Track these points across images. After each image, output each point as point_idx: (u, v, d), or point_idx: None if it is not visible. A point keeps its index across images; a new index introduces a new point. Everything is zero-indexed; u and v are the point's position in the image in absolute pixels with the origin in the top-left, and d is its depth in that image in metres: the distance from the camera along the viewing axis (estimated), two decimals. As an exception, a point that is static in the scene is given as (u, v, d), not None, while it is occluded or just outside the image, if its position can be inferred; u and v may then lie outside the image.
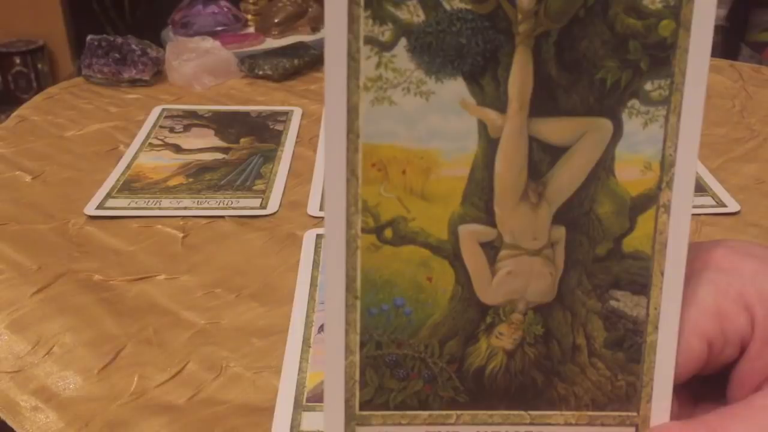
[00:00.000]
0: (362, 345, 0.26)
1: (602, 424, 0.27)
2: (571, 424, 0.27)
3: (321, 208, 0.60)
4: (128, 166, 0.67)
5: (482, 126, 0.24)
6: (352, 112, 0.24)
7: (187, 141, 0.72)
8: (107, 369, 0.43)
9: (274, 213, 0.60)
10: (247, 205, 0.61)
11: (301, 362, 0.43)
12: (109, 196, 0.62)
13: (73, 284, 0.51)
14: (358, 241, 0.25)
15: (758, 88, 0.85)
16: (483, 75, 0.24)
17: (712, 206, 0.60)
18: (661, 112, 0.24)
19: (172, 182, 0.64)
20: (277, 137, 0.73)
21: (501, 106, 0.24)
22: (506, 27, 0.23)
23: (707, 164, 0.66)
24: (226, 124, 0.76)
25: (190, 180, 0.65)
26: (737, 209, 0.59)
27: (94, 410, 0.40)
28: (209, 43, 0.90)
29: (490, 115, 0.24)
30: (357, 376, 0.26)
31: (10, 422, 0.40)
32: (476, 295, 0.26)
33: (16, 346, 0.45)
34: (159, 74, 0.88)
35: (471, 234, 0.25)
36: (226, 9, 1.11)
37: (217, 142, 0.72)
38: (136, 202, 0.61)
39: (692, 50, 0.24)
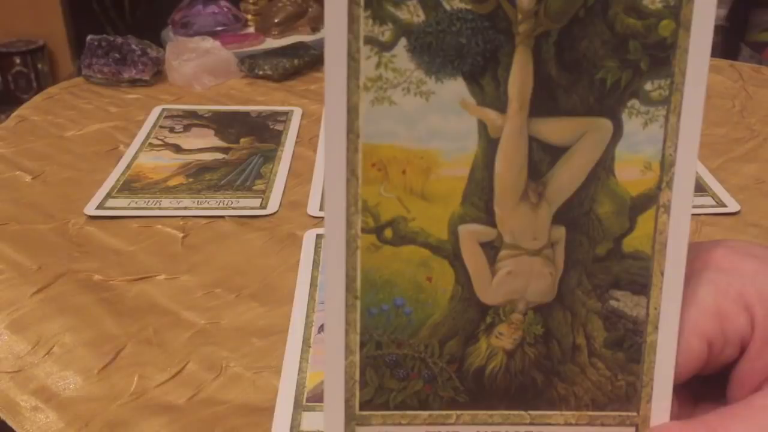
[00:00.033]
0: (362, 345, 0.26)
1: (602, 424, 0.27)
2: (571, 424, 0.27)
3: (321, 208, 0.60)
4: (128, 166, 0.67)
5: (482, 126, 0.24)
6: (352, 112, 0.24)
7: (187, 141, 0.72)
8: (107, 369, 0.43)
9: (274, 213, 0.60)
10: (247, 205, 0.61)
11: (301, 362, 0.43)
12: (109, 196, 0.62)
13: (73, 284, 0.51)
14: (358, 241, 0.25)
15: (758, 88, 0.85)
16: (483, 75, 0.24)
17: (712, 206, 0.60)
18: (661, 112, 0.24)
19: (172, 182, 0.64)
20: (277, 137, 0.73)
21: (501, 106, 0.24)
22: (506, 27, 0.23)
23: (707, 164, 0.66)
24: (226, 124, 0.76)
25: (190, 180, 0.65)
26: (737, 209, 0.59)
27: (94, 410, 0.41)
28: (209, 43, 0.90)
29: (490, 115, 0.24)
30: (357, 376, 0.26)
31: (10, 422, 0.40)
32: (476, 295, 0.26)
33: (16, 346, 0.45)
34: (159, 74, 0.88)
35: (471, 234, 0.25)
36: (226, 9, 1.12)
37: (217, 142, 0.72)
38: (136, 202, 0.61)
39: (692, 50, 0.24)
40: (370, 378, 0.26)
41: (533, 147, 0.25)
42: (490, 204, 0.25)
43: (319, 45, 0.91)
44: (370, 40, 0.23)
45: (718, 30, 1.61)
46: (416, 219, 0.25)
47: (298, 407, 0.40)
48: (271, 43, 1.04)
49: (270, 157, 0.69)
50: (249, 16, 1.14)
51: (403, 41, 0.24)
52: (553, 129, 0.25)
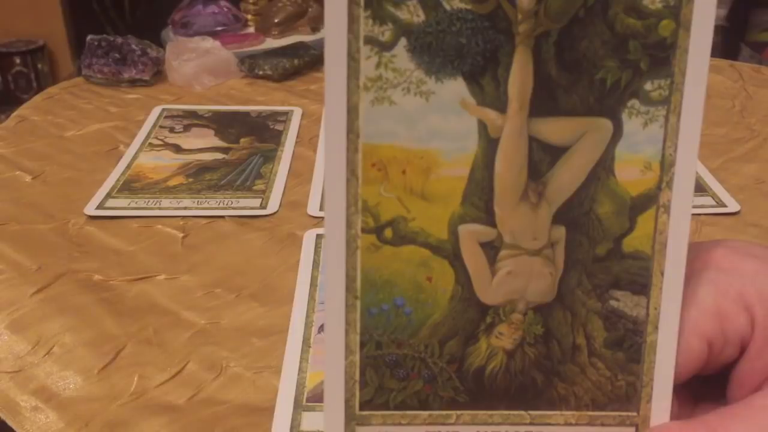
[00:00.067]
0: (362, 345, 0.26)
1: (602, 424, 0.27)
2: (571, 424, 0.27)
3: (321, 208, 0.60)
4: (128, 166, 0.67)
5: (482, 126, 0.24)
6: (352, 112, 0.24)
7: (187, 141, 0.72)
8: (107, 369, 0.43)
9: (274, 213, 0.60)
10: (247, 205, 0.61)
11: (301, 362, 0.43)
12: (109, 196, 0.62)
13: (73, 284, 0.51)
14: (358, 241, 0.25)
15: (758, 88, 0.85)
16: (483, 75, 0.24)
17: (712, 206, 0.60)
18: (661, 112, 0.24)
19: (172, 182, 0.64)
20: (277, 137, 0.73)
21: (501, 106, 0.24)
22: (506, 27, 0.23)
23: (707, 164, 0.66)
24: (226, 124, 0.76)
25: (190, 180, 0.65)
26: (737, 209, 0.59)
27: (94, 410, 0.41)
28: (209, 43, 0.90)
29: (490, 115, 0.24)
30: (357, 376, 0.26)
31: (10, 422, 0.40)
32: (476, 295, 0.26)
33: (16, 346, 0.45)
34: (159, 74, 0.88)
35: (471, 234, 0.25)
36: (226, 9, 1.11)
37: (217, 142, 0.72)
38: (136, 202, 0.61)
39: (692, 50, 0.24)
40: (370, 378, 0.26)
41: (533, 147, 0.25)
42: (490, 204, 0.25)
43: (319, 45, 0.91)
44: (370, 40, 0.23)
45: (718, 30, 1.61)
46: (416, 219, 0.25)
47: (298, 407, 0.40)
48: (271, 43, 1.04)
49: (270, 157, 0.69)
50: (249, 16, 1.14)
51: (403, 41, 0.24)
52: (553, 129, 0.25)
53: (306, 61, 0.91)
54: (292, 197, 0.62)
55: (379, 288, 0.26)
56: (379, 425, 0.27)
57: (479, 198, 0.25)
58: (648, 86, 0.24)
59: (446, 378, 0.26)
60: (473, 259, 0.26)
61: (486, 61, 0.24)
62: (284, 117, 0.78)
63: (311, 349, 0.44)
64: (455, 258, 0.26)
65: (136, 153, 0.69)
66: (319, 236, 0.56)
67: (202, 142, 0.72)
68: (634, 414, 0.27)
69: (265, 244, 0.56)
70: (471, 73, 0.24)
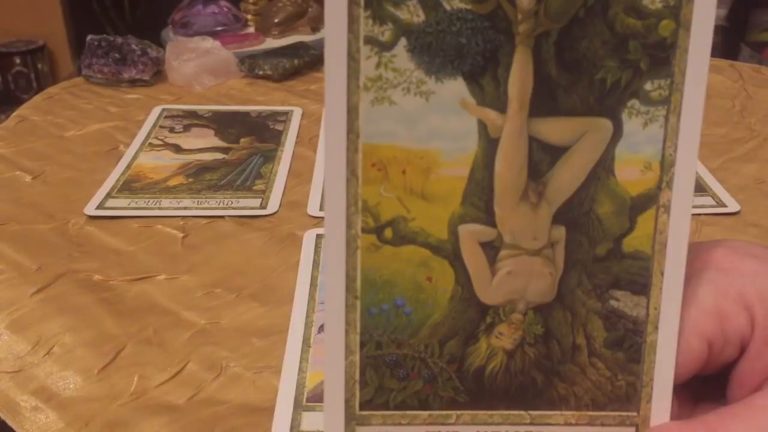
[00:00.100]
0: (362, 345, 0.26)
1: (602, 424, 0.27)
2: (571, 424, 0.27)
3: (321, 208, 0.60)
4: (128, 166, 0.67)
5: (482, 126, 0.24)
6: (352, 112, 0.24)
7: (187, 141, 0.72)
8: (107, 369, 0.43)
9: (274, 213, 0.60)
10: (247, 205, 0.61)
11: (301, 362, 0.43)
12: (109, 196, 0.62)
13: (73, 284, 0.51)
14: (358, 241, 0.25)
15: (758, 88, 0.85)
16: (483, 75, 0.24)
17: (712, 206, 0.60)
18: (661, 112, 0.24)
19: (172, 182, 0.64)
20: (277, 137, 0.73)
21: (501, 106, 0.24)
22: (506, 27, 0.23)
23: (707, 164, 0.66)
24: (226, 124, 0.76)
25: (190, 180, 0.65)
26: (737, 209, 0.59)
27: (94, 410, 0.41)
28: (209, 43, 0.90)
29: (490, 115, 0.24)
30: (357, 376, 0.26)
31: (10, 422, 0.40)
32: (476, 295, 0.26)
33: (16, 346, 0.45)
34: (159, 74, 0.88)
35: (471, 234, 0.25)
36: (226, 9, 1.11)
37: (217, 142, 0.72)
38: (136, 202, 0.61)
39: (692, 50, 0.24)
40: (370, 378, 0.26)
41: (533, 147, 0.25)
42: (490, 204, 0.25)
43: (319, 45, 0.91)
44: (370, 40, 0.23)
45: (718, 30, 1.61)
46: (416, 219, 0.25)
47: (298, 407, 0.40)
48: (271, 43, 1.04)
49: (270, 157, 0.69)
50: (249, 16, 1.14)
51: (403, 41, 0.24)
52: (553, 129, 0.25)
53: (306, 61, 0.91)
54: (292, 197, 0.62)
55: (379, 288, 0.26)
56: (379, 425, 0.27)
57: (479, 198, 0.25)
58: (648, 86, 0.24)
59: (446, 378, 0.26)
60: (473, 259, 0.26)
61: (486, 61, 0.24)
62: (284, 117, 0.78)
63: (311, 349, 0.44)
64: (455, 258, 0.26)
65: (136, 153, 0.69)
66: (319, 236, 0.56)
67: (202, 142, 0.72)
68: (634, 414, 0.27)
69: (265, 244, 0.56)
70: (471, 73, 0.24)
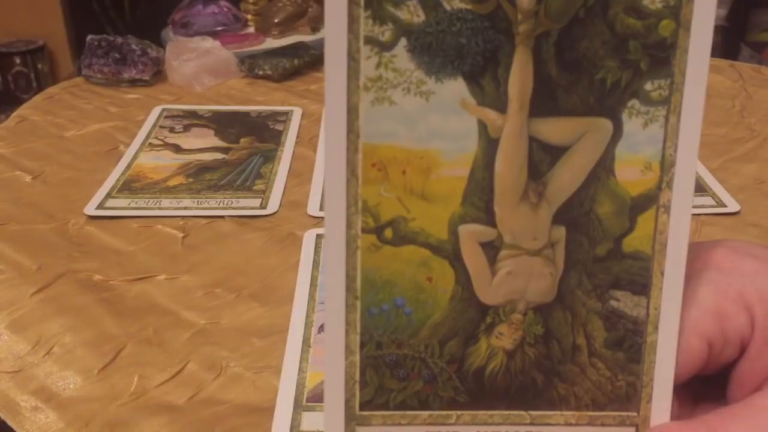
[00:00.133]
0: (362, 345, 0.26)
1: (602, 424, 0.27)
2: (571, 424, 0.27)
3: (321, 208, 0.60)
4: (128, 166, 0.67)
5: (482, 126, 0.24)
6: (352, 112, 0.24)
7: (187, 141, 0.72)
8: (107, 369, 0.43)
9: (274, 213, 0.60)
10: (247, 205, 0.61)
11: (301, 362, 0.43)
12: (109, 196, 0.62)
13: (73, 284, 0.51)
14: (358, 241, 0.25)
15: (758, 88, 0.85)
16: (483, 75, 0.24)
17: (712, 206, 0.60)
18: (661, 112, 0.24)
19: (172, 182, 0.64)
20: (277, 137, 0.73)
21: (501, 106, 0.24)
22: (506, 27, 0.23)
23: (707, 164, 0.66)
24: (226, 124, 0.76)
25: (190, 180, 0.65)
26: (737, 209, 0.59)
27: (94, 410, 0.41)
28: (209, 43, 0.90)
29: (490, 115, 0.24)
30: (357, 376, 0.26)
31: (10, 422, 0.40)
32: (476, 295, 0.26)
33: (16, 346, 0.45)
34: (159, 74, 0.88)
35: (471, 234, 0.25)
36: (226, 9, 1.12)
37: (217, 142, 0.72)
38: (136, 202, 0.61)
39: (692, 50, 0.24)
40: (370, 378, 0.26)
41: (533, 147, 0.25)
42: (490, 204, 0.25)
43: (319, 45, 0.91)
44: (370, 40, 0.23)
45: (718, 30, 1.61)
46: (416, 219, 0.25)
47: (298, 407, 0.40)
48: (271, 43, 1.04)
49: (270, 157, 0.69)
50: (249, 16, 1.14)
51: (403, 41, 0.24)
52: (553, 129, 0.25)
53: (306, 61, 0.91)
54: (292, 197, 0.62)
55: (380, 288, 0.26)
56: (379, 425, 0.27)
57: (479, 198, 0.25)
58: (648, 86, 0.24)
59: (446, 378, 0.26)
60: (473, 259, 0.26)
61: (486, 61, 0.24)
62: (284, 117, 0.78)
63: (311, 349, 0.44)
64: (455, 258, 0.26)
65: (136, 153, 0.69)
66: (319, 236, 0.56)
67: (202, 142, 0.72)
68: (634, 414, 0.27)
69: (265, 244, 0.56)
70: (471, 73, 0.24)
